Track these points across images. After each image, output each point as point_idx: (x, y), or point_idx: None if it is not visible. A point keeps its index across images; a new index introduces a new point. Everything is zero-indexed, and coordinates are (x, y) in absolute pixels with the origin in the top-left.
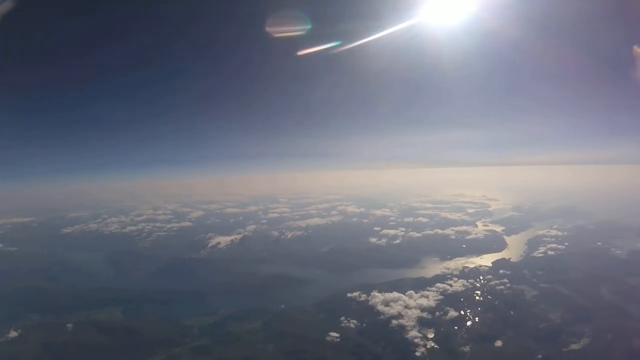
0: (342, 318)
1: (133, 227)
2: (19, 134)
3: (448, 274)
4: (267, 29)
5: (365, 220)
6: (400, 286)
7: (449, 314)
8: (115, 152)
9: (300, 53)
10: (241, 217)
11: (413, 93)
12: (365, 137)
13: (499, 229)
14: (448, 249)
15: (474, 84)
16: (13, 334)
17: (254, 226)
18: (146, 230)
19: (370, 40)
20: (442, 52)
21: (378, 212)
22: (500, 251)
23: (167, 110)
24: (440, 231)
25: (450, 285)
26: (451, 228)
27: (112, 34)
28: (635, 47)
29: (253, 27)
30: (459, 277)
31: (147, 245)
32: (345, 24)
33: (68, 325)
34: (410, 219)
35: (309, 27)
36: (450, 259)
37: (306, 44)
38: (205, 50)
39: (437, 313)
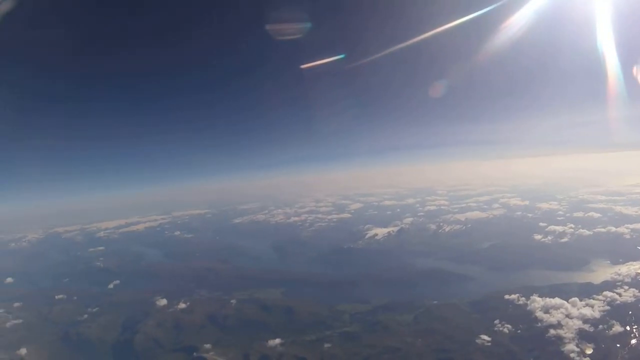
0: (496, 321)
1: (297, 218)
2: (196, 139)
3: (618, 281)
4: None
5: (530, 215)
6: (564, 291)
7: (613, 329)
8: (280, 150)
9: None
10: (398, 210)
11: (582, 64)
12: (530, 119)
13: None
14: (621, 250)
15: None
16: (182, 305)
17: (411, 219)
18: (308, 220)
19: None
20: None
21: (544, 206)
22: None
23: (330, 107)
24: (613, 229)
25: (620, 295)
26: (626, 225)
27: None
28: None
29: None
30: (631, 285)
31: (308, 235)
32: None
33: (232, 301)
34: (581, 214)
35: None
36: (623, 262)
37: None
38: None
39: (600, 326)
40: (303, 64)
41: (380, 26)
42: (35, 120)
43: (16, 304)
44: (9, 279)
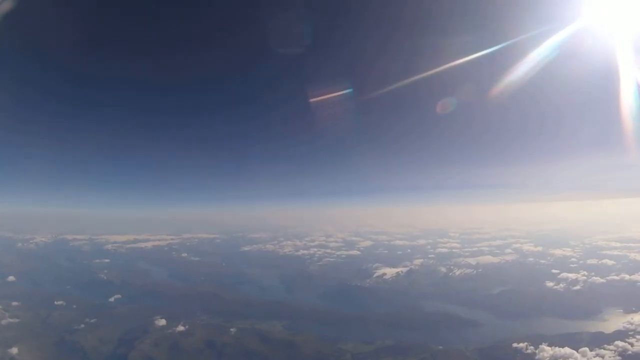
0: None
1: (305, 251)
2: (213, 164)
3: (631, 330)
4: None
5: (542, 261)
6: (574, 341)
7: None
8: (293, 182)
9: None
10: (409, 250)
11: (600, 109)
12: (547, 164)
13: None
14: (635, 298)
15: None
16: (181, 327)
17: (421, 260)
18: (317, 255)
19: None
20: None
21: (558, 252)
22: None
23: (346, 143)
24: (627, 276)
25: (632, 345)
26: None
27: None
28: None
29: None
30: None
31: (316, 269)
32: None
33: (232, 329)
34: (594, 261)
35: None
36: (636, 311)
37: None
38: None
39: None
40: (318, 97)
41: (394, 61)
42: (59, 127)
43: (15, 303)
44: (12, 277)
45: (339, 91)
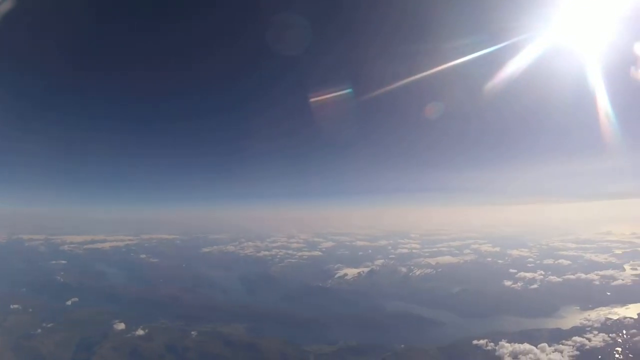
0: None
1: (267, 252)
2: (176, 164)
3: (588, 326)
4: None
5: (500, 261)
6: (533, 337)
7: None
8: (254, 183)
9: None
10: (370, 251)
11: (562, 119)
12: (508, 170)
13: None
14: (590, 296)
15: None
16: (140, 332)
17: (382, 260)
18: (279, 256)
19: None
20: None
21: (515, 253)
22: None
23: (309, 146)
24: (583, 275)
25: (589, 340)
26: (595, 272)
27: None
28: None
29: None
30: (600, 330)
31: (278, 270)
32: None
33: (193, 332)
34: (551, 261)
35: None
36: (592, 308)
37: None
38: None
39: None
40: (289, 100)
41: (372, 66)
42: (18, 123)
43: None
44: None
45: (315, 94)
